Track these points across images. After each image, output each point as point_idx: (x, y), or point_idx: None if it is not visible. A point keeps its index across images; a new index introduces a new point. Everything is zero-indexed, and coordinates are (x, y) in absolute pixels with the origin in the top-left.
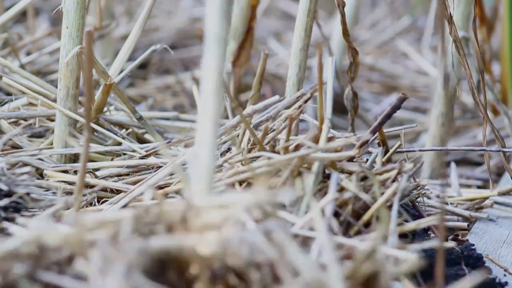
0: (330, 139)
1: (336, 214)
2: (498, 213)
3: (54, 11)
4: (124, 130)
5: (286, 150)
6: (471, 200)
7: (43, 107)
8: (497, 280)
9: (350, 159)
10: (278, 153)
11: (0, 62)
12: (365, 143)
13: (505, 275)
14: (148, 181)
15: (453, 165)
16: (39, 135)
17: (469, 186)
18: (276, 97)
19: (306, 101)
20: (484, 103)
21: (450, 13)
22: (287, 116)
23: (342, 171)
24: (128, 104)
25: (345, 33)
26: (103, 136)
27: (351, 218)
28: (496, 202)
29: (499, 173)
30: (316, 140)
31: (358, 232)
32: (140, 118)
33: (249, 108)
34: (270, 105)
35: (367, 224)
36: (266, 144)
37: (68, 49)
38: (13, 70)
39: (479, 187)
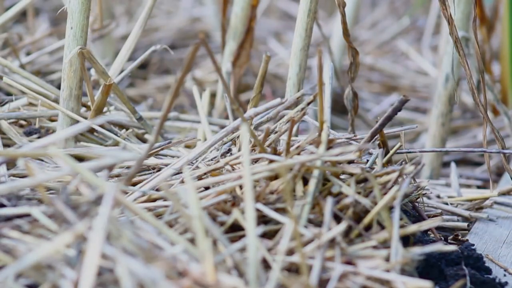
0: (330, 141)
1: (337, 217)
2: (498, 213)
3: (58, 11)
4: (124, 130)
5: (287, 152)
6: (471, 200)
7: (43, 107)
8: (497, 280)
9: (351, 161)
10: (280, 155)
11: (0, 62)
12: (365, 148)
13: (505, 275)
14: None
15: (453, 165)
16: (39, 135)
17: (469, 186)
18: (278, 100)
19: (308, 104)
20: (484, 103)
21: (450, 14)
22: (289, 118)
23: (342, 172)
24: (128, 104)
25: (345, 33)
26: (103, 137)
27: (352, 222)
28: (496, 202)
29: (499, 173)
30: (317, 143)
31: (359, 235)
32: (140, 119)
33: (251, 111)
34: (271, 108)
35: (368, 227)
36: (267, 146)
37: (72, 49)
38: (13, 70)
39: (479, 187)
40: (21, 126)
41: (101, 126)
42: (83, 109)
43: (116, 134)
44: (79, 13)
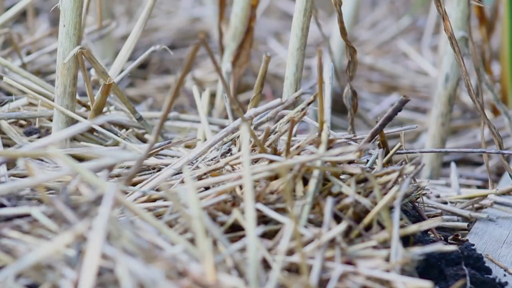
0: (330, 141)
1: (337, 218)
2: (498, 213)
3: (52, 8)
4: (124, 130)
5: (287, 153)
6: (470, 198)
7: (43, 107)
8: (497, 280)
9: (351, 161)
10: (280, 155)
11: (0, 62)
12: (365, 149)
13: (505, 275)
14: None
15: (453, 165)
16: (39, 135)
17: (469, 186)
18: (278, 100)
19: (308, 104)
20: (481, 101)
21: (445, 10)
22: (289, 119)
23: (343, 173)
24: (128, 104)
25: (343, 31)
26: (103, 136)
27: (352, 222)
28: (496, 202)
29: (499, 173)
30: (316, 143)
31: (359, 235)
32: (140, 119)
33: (251, 111)
34: (271, 108)
35: (368, 227)
36: (267, 146)
37: (65, 47)
38: (13, 70)
39: (479, 187)
40: (21, 126)
41: (101, 126)
42: (83, 109)
43: (116, 134)
44: (71, 11)
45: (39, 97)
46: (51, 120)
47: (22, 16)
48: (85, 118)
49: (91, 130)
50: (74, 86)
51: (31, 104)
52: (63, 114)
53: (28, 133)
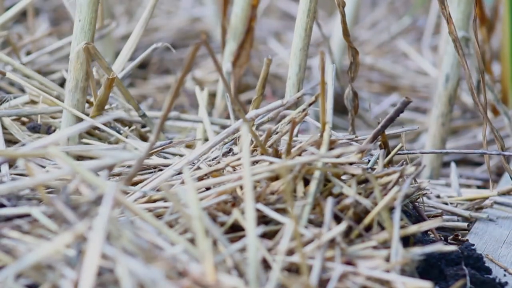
0: (332, 142)
1: (338, 218)
2: (498, 213)
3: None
4: (127, 127)
5: (288, 154)
6: (471, 200)
7: (45, 104)
8: (497, 280)
9: (352, 162)
10: (281, 156)
11: (2, 59)
12: (367, 150)
13: (505, 275)
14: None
15: (453, 165)
16: (40, 132)
17: (469, 186)
18: (279, 102)
19: (310, 104)
20: (484, 103)
21: (449, 13)
22: (290, 120)
23: (344, 173)
24: (132, 101)
25: (345, 33)
26: (107, 133)
27: (352, 222)
28: (496, 202)
29: (499, 173)
30: (318, 144)
31: (359, 236)
32: (143, 116)
33: (252, 112)
34: (272, 110)
35: (368, 228)
36: (269, 147)
37: (80, 42)
38: (15, 67)
39: (479, 187)
40: (23, 123)
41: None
42: (85, 105)
43: (119, 132)
44: (88, 6)
45: (41, 93)
46: (53, 118)
47: (22, 16)
48: (87, 114)
49: (94, 127)
50: (86, 81)
51: (32, 101)
52: (72, 111)
53: (32, 128)
